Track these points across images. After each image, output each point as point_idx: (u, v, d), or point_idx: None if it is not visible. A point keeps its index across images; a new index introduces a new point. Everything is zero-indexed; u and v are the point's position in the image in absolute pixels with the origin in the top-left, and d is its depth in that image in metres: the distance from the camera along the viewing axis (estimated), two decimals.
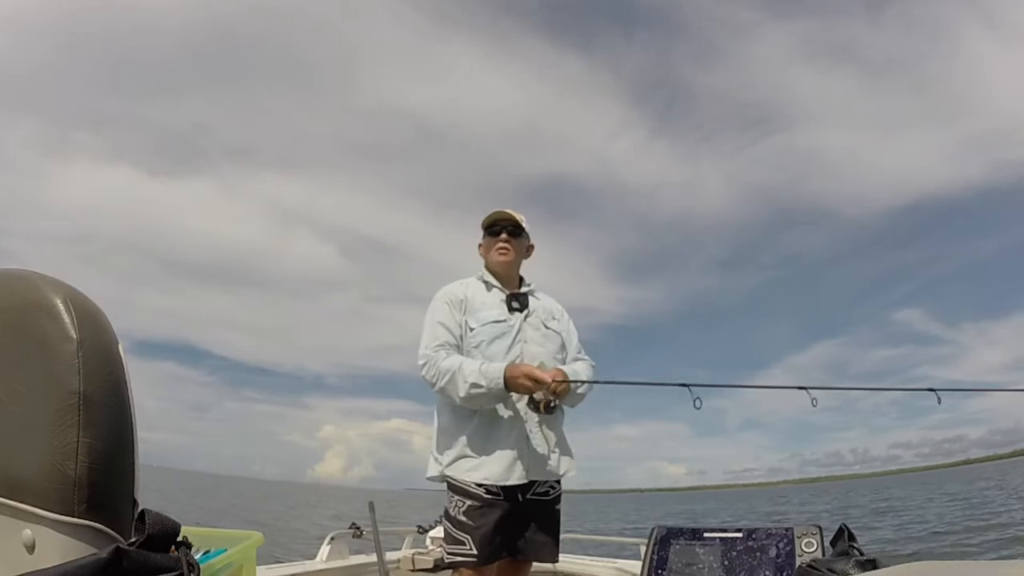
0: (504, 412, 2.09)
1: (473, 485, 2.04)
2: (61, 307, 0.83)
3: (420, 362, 2.11)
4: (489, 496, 2.03)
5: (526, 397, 2.07)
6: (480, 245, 2.36)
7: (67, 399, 0.83)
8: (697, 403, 1.93)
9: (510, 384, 1.99)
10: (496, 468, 2.04)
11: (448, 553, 2.05)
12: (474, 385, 1.99)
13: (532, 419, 2.11)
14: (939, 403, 2.07)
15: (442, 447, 2.15)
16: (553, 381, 1.99)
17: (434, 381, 2.07)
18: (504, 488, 2.04)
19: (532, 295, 2.32)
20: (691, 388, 1.94)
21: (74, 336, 0.83)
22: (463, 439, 2.09)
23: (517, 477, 2.05)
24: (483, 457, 2.05)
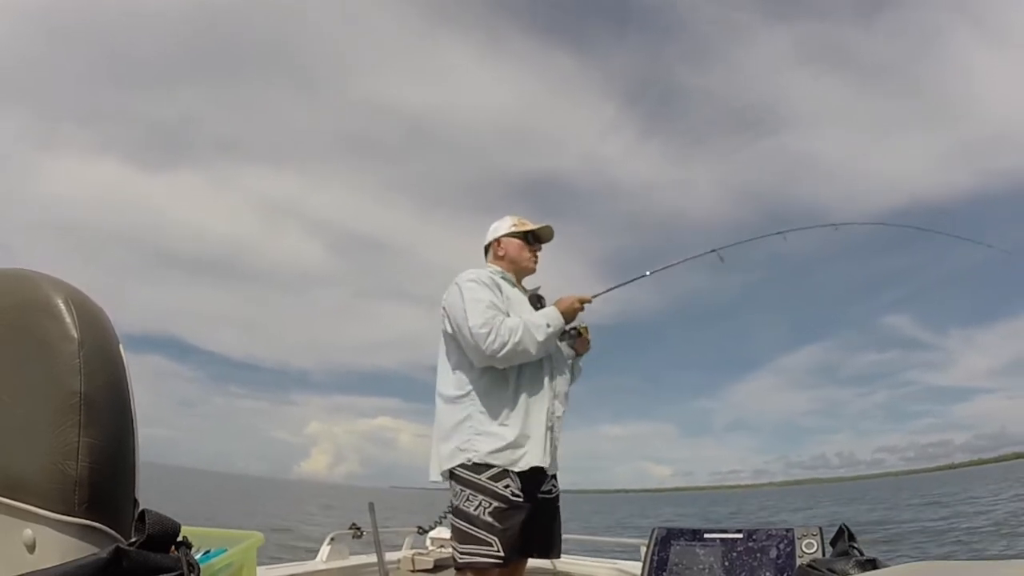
0: (538, 403, 2.14)
1: (501, 487, 2.03)
2: (62, 307, 0.83)
3: (482, 331, 2.04)
4: (515, 499, 2.04)
5: (560, 389, 2.21)
6: (497, 241, 2.36)
7: (68, 399, 0.83)
8: (722, 260, 2.61)
9: (567, 311, 2.21)
10: (533, 457, 2.07)
11: (466, 553, 2.01)
12: (548, 326, 2.13)
13: (557, 411, 2.18)
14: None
15: (474, 437, 2.08)
16: (592, 298, 2.32)
17: (506, 340, 2.03)
18: (525, 491, 2.05)
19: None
20: (718, 252, 2.62)
21: (75, 336, 0.83)
22: (503, 430, 2.08)
23: (548, 465, 2.10)
24: (524, 448, 2.08)
